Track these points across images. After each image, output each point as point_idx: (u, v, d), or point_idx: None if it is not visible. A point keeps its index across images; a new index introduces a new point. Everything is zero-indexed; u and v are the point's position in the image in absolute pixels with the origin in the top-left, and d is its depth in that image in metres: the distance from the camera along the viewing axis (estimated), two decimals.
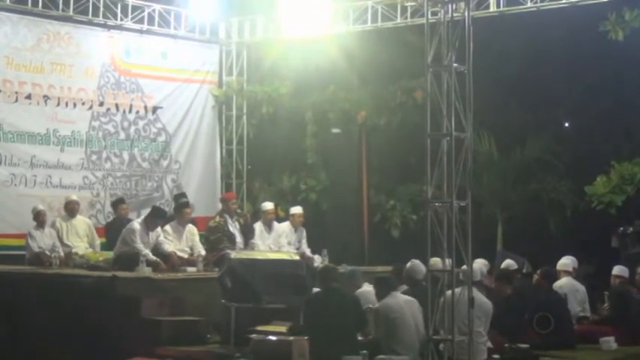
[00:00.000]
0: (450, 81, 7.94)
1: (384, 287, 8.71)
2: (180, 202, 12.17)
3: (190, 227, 11.83)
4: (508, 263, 10.38)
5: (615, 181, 11.80)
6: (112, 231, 12.04)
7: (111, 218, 13.52)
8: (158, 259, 10.97)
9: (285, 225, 12.44)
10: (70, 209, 12.33)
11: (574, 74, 14.21)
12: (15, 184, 12.80)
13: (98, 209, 13.62)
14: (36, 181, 12.97)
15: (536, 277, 10.22)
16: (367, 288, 9.53)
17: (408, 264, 9.38)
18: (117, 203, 12.89)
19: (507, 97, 14.35)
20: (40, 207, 12.19)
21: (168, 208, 13.52)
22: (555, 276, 9.97)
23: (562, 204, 13.93)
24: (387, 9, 13.19)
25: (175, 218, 11.90)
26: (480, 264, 9.70)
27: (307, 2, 13.47)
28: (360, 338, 8.64)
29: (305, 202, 13.88)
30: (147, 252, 10.96)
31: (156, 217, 11.42)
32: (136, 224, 11.27)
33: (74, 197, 12.60)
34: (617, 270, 10.25)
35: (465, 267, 7.87)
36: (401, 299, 8.60)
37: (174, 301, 9.87)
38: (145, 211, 12.38)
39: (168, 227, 11.69)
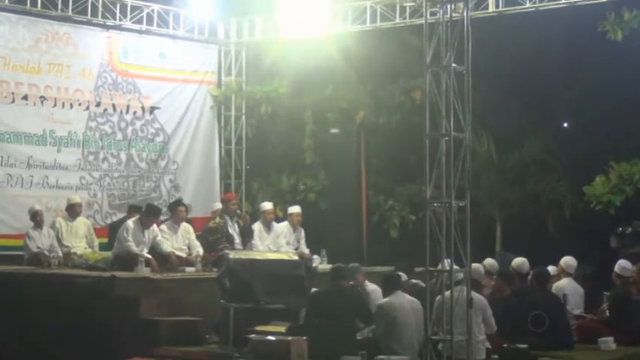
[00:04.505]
0: (449, 81, 7.96)
1: (389, 285, 8.76)
2: (175, 200, 12.14)
3: (185, 226, 11.82)
4: (519, 264, 10.21)
5: (614, 181, 11.80)
6: (116, 231, 11.98)
7: (110, 219, 13.53)
8: (150, 256, 10.95)
9: (284, 225, 12.43)
10: (73, 212, 12.30)
11: (573, 74, 14.20)
12: (11, 185, 12.78)
13: (96, 210, 13.61)
14: (32, 182, 12.96)
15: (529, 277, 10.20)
16: (371, 286, 9.57)
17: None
18: (131, 210, 12.67)
19: (506, 97, 14.33)
20: (37, 207, 12.18)
21: (166, 208, 13.52)
22: (548, 276, 9.91)
23: (561, 204, 13.92)
24: (385, 9, 13.18)
25: (170, 217, 11.91)
26: (478, 264, 9.70)
27: (306, 2, 13.47)
28: (359, 338, 8.67)
29: (304, 202, 13.87)
30: (137, 250, 10.93)
31: (150, 215, 11.43)
32: (130, 223, 11.28)
33: (78, 199, 12.56)
34: (620, 269, 10.06)
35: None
36: (404, 299, 8.64)
37: (173, 302, 9.87)
38: None
39: (164, 226, 11.71)
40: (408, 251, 10.57)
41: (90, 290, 9.83)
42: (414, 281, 9.88)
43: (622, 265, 10.10)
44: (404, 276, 9.50)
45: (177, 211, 11.79)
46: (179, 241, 11.66)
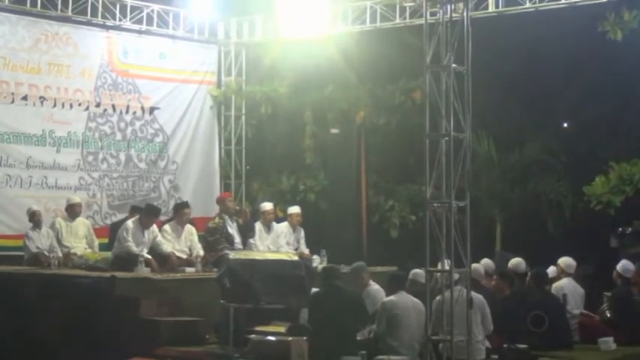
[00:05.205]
0: (449, 81, 7.95)
1: (394, 284, 8.79)
2: (180, 202, 12.12)
3: (189, 227, 11.83)
4: (515, 263, 10.16)
5: (614, 181, 11.79)
6: (116, 231, 11.99)
7: (109, 219, 13.53)
8: (150, 257, 10.96)
9: (284, 225, 12.44)
10: (73, 212, 12.30)
11: (573, 75, 14.20)
12: (10, 186, 12.76)
13: (95, 210, 13.60)
14: (31, 182, 12.94)
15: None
16: (375, 286, 9.56)
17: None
18: (133, 210, 12.70)
19: (506, 97, 14.33)
20: (35, 207, 12.18)
21: (165, 208, 13.54)
22: (545, 277, 9.90)
23: (561, 204, 13.92)
24: (385, 9, 13.18)
25: (174, 218, 11.91)
26: (478, 264, 9.72)
27: (306, 2, 13.46)
28: (359, 338, 8.68)
29: (304, 203, 13.87)
30: (137, 250, 10.94)
31: (150, 215, 11.44)
32: (130, 223, 11.30)
33: (77, 200, 12.56)
34: (622, 269, 10.03)
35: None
36: (408, 299, 8.67)
37: (173, 302, 9.87)
38: None
39: (167, 227, 11.71)
40: (408, 251, 10.54)
41: (90, 290, 9.83)
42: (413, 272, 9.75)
43: (624, 265, 10.08)
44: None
45: (182, 213, 11.79)
46: (181, 243, 11.67)
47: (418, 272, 9.41)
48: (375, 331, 8.72)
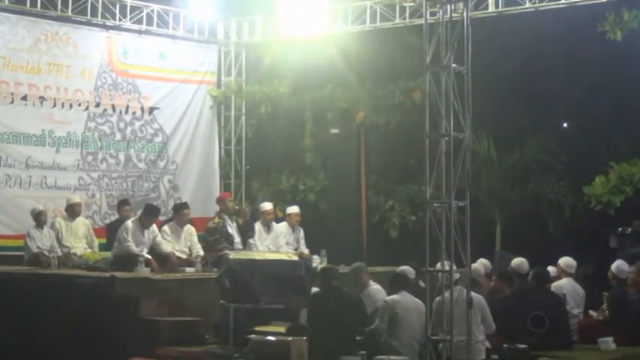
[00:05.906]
0: (449, 81, 7.95)
1: (396, 283, 8.80)
2: (179, 202, 12.13)
3: (189, 227, 11.84)
4: (518, 263, 10.15)
5: (614, 181, 11.78)
6: (114, 231, 12.02)
7: (108, 219, 13.53)
8: (150, 257, 10.96)
9: (283, 225, 12.45)
10: (73, 211, 12.32)
11: (573, 75, 14.18)
12: (9, 186, 12.77)
13: (94, 210, 13.61)
14: (31, 182, 12.96)
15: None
16: (375, 286, 9.57)
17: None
18: (121, 205, 12.84)
19: (506, 97, 14.31)
20: (40, 207, 12.22)
21: (165, 208, 13.54)
22: (547, 276, 9.90)
23: (561, 204, 13.91)
24: (385, 9, 13.19)
25: (174, 219, 11.91)
26: (478, 264, 9.72)
27: (306, 2, 13.47)
28: (358, 338, 8.68)
29: (303, 203, 13.87)
30: (137, 250, 10.95)
31: (149, 215, 11.45)
32: (129, 223, 11.31)
33: (77, 199, 12.60)
34: (617, 270, 10.01)
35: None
36: (409, 298, 8.69)
37: (173, 302, 9.87)
38: None
39: (166, 228, 11.71)
40: (408, 251, 10.54)
41: (90, 290, 9.83)
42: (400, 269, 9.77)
43: (619, 266, 10.07)
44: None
45: (181, 213, 11.80)
46: (181, 243, 11.69)
47: (406, 269, 9.42)
48: (377, 326, 8.69)
